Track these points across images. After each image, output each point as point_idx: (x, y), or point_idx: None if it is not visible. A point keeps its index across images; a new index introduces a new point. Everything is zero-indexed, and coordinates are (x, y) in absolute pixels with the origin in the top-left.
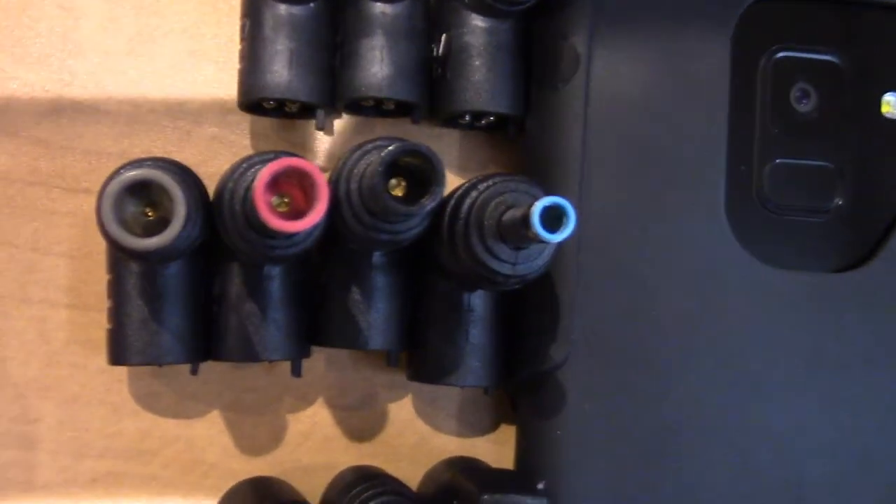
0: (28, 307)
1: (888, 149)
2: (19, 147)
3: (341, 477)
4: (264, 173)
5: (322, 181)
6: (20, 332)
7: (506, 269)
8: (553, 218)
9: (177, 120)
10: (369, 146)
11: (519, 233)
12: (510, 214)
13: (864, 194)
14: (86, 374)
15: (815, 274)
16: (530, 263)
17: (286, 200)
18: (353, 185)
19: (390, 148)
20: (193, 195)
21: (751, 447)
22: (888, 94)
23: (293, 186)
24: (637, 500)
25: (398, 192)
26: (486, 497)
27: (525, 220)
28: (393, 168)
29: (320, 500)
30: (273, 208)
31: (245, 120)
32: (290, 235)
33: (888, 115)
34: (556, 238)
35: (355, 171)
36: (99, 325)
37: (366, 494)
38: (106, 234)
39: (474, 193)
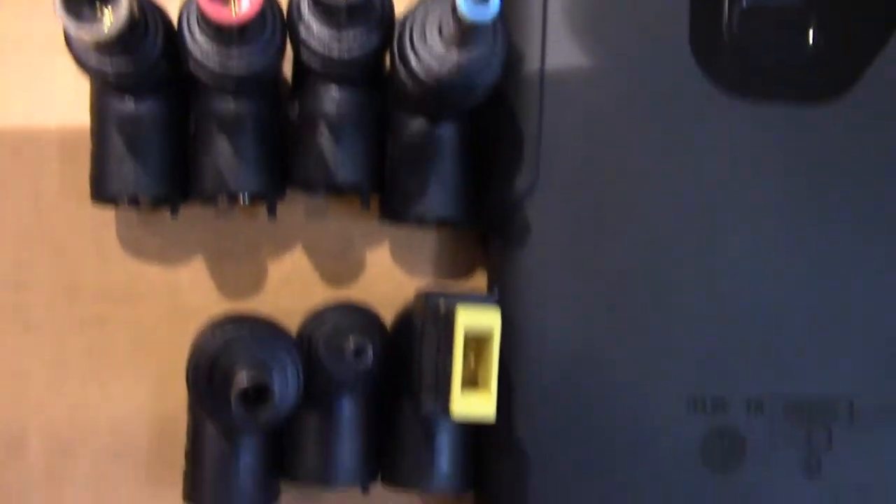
0: (22, 161)
1: None
2: None
3: (316, 310)
4: None
5: None
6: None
7: (450, 64)
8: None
9: None
10: None
11: (452, 25)
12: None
13: (838, 31)
14: (76, 222)
15: (788, 107)
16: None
17: None
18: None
19: None
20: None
21: (720, 289)
22: None
23: None
24: (600, 338)
25: None
26: (431, 295)
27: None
28: None
29: (297, 331)
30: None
31: None
32: (241, 38)
33: None
34: (481, 15)
35: None
36: (87, 173)
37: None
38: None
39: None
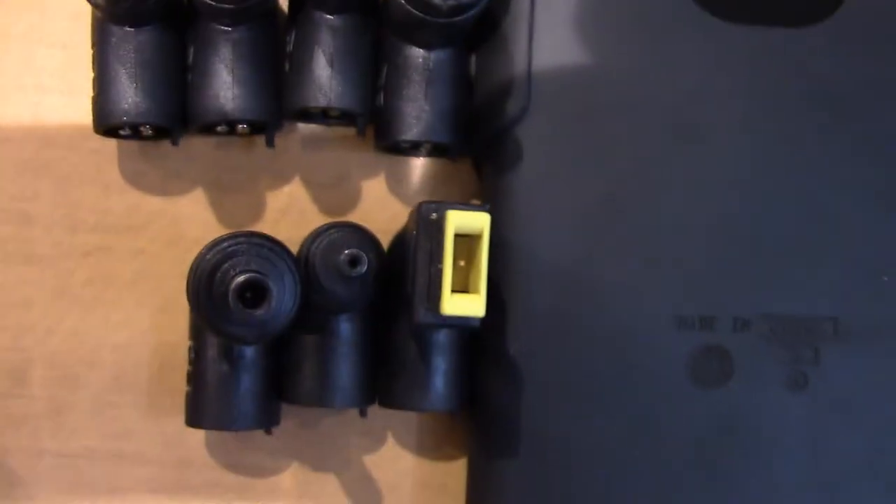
0: (24, 94)
1: None
2: None
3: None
4: None
5: None
6: (17, 116)
7: None
8: None
9: None
10: None
11: None
12: None
13: None
14: (78, 154)
15: (777, 29)
16: None
17: None
18: None
19: None
20: None
21: (708, 210)
22: None
23: None
24: (590, 258)
25: None
26: (424, 204)
27: None
28: None
29: (296, 252)
30: None
31: None
32: None
33: None
34: None
35: None
36: (88, 109)
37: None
38: None
39: None
